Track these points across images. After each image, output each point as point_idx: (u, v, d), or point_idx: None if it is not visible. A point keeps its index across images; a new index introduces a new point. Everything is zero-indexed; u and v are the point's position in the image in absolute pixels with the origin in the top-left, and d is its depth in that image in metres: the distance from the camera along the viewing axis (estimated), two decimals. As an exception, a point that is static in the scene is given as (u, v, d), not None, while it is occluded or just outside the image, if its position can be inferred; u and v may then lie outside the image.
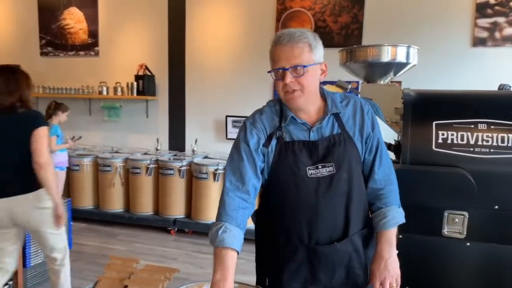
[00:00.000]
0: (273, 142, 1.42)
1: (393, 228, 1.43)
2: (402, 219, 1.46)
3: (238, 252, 1.31)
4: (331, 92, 1.51)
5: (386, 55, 1.91)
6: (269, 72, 1.40)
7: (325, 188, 1.36)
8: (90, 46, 5.83)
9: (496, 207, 1.56)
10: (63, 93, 5.70)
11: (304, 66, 1.32)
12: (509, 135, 1.52)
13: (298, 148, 1.40)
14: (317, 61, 1.37)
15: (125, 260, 1.67)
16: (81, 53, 5.89)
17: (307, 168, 1.38)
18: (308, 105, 1.42)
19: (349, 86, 2.19)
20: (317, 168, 1.38)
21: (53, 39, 5.99)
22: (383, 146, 1.48)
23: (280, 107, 1.47)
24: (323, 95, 1.47)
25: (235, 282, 1.30)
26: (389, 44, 1.90)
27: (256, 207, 1.47)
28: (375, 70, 2.00)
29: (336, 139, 1.41)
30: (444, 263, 1.65)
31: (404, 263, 1.68)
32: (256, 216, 1.54)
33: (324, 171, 1.38)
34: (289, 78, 1.33)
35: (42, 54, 6.08)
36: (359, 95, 2.05)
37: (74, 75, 5.87)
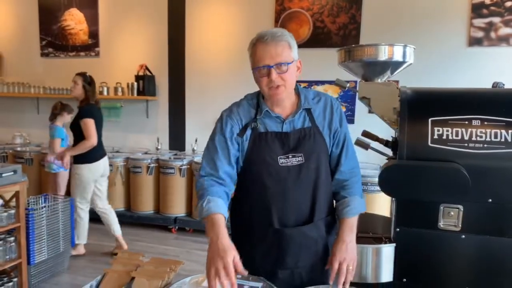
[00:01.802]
0: (248, 132, 1.52)
1: (354, 216, 1.53)
2: (363, 209, 1.56)
3: (225, 217, 1.40)
4: (305, 89, 1.62)
5: (383, 54, 1.96)
6: (253, 69, 1.49)
7: (294, 176, 1.47)
8: (91, 47, 5.88)
9: (490, 200, 1.60)
10: (63, 94, 5.74)
11: (288, 64, 1.44)
12: (502, 130, 1.57)
13: (271, 138, 1.51)
14: (295, 58, 1.48)
15: (131, 254, 1.71)
16: (82, 54, 5.94)
17: (278, 157, 1.49)
18: (286, 100, 1.53)
19: (347, 85, 2.24)
20: (287, 157, 1.49)
21: (54, 40, 6.04)
22: (349, 141, 1.60)
23: (257, 100, 1.57)
24: (297, 91, 1.58)
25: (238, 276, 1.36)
26: (386, 43, 1.96)
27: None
28: (373, 69, 2.05)
29: (306, 132, 1.52)
30: (440, 255, 1.68)
31: (401, 255, 1.74)
32: (232, 201, 1.64)
33: (294, 160, 1.49)
34: (274, 74, 1.43)
35: (42, 55, 6.13)
36: (357, 93, 2.11)
37: (74, 76, 5.91)
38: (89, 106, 3.89)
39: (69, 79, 5.87)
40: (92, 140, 3.78)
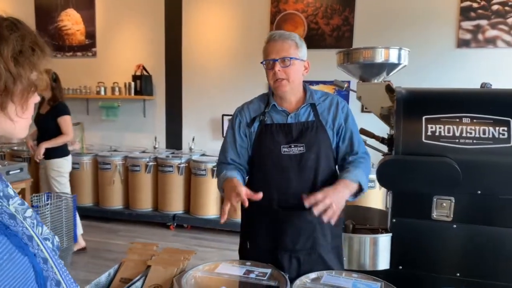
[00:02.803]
0: (256, 124, 1.70)
1: (352, 180, 1.57)
2: (364, 182, 1.61)
3: (239, 181, 1.59)
4: (314, 90, 1.76)
5: (380, 57, 2.09)
6: (262, 62, 1.67)
7: (295, 164, 1.60)
8: (88, 47, 5.93)
9: (479, 192, 1.70)
10: (61, 93, 5.78)
11: (291, 58, 1.60)
12: (490, 127, 1.69)
13: (276, 129, 1.66)
14: (301, 58, 1.65)
15: (145, 245, 1.81)
16: (79, 54, 5.99)
17: (281, 146, 1.63)
18: (291, 95, 1.68)
19: (345, 85, 2.37)
20: (290, 147, 1.63)
21: (50, 40, 5.99)
22: (357, 138, 1.72)
23: (268, 97, 1.74)
24: (305, 90, 1.73)
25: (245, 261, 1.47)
26: (382, 46, 2.08)
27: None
28: (370, 70, 2.18)
29: (309, 125, 1.65)
30: (433, 243, 1.78)
31: (397, 245, 1.85)
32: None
33: (296, 150, 1.62)
34: (277, 67, 1.60)
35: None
36: (355, 93, 2.23)
37: (71, 76, 5.94)
38: (63, 104, 4.04)
39: (66, 79, 5.93)
40: (70, 136, 4.03)
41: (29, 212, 0.79)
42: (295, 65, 1.62)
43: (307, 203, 1.42)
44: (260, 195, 1.47)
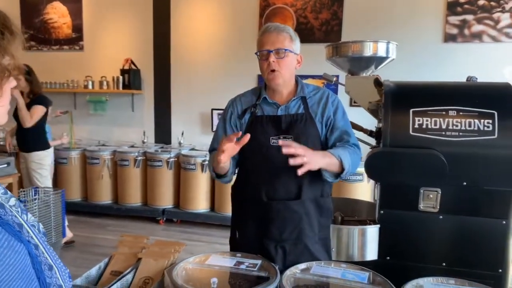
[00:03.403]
0: (247, 115, 1.72)
1: (332, 154, 1.56)
2: (347, 162, 1.57)
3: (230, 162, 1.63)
4: (306, 84, 1.78)
5: (368, 50, 2.11)
6: (256, 53, 1.68)
7: (283, 156, 1.53)
8: (75, 40, 5.86)
9: (465, 183, 1.73)
10: (47, 88, 5.70)
11: (285, 50, 1.62)
12: (475, 120, 1.72)
13: (265, 121, 1.68)
14: (295, 51, 1.67)
15: (135, 237, 1.82)
16: (65, 47, 5.91)
17: (270, 138, 1.65)
18: (283, 88, 1.70)
19: (334, 79, 2.39)
20: (278, 138, 1.64)
21: (36, 33, 5.99)
22: (347, 130, 1.70)
23: (260, 90, 1.76)
24: (297, 83, 1.75)
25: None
26: (371, 40, 2.10)
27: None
28: (358, 64, 2.20)
29: (298, 117, 1.67)
30: (420, 234, 1.81)
31: (384, 236, 1.88)
32: (235, 178, 1.82)
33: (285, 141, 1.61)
34: (272, 58, 1.62)
35: (24, 48, 6.06)
36: (344, 87, 2.25)
37: (58, 70, 5.89)
38: (43, 96, 4.04)
39: (53, 72, 5.88)
40: (31, 123, 3.90)
41: (13, 200, 0.78)
42: (288, 57, 1.65)
43: (284, 150, 1.45)
44: (247, 137, 1.48)
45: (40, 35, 5.97)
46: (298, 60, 1.72)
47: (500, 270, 1.74)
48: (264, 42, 1.65)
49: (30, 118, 3.89)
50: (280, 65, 1.64)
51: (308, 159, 1.46)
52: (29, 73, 3.95)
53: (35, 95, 3.97)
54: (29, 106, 3.94)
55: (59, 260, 0.79)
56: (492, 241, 1.75)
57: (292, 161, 1.45)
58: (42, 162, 4.03)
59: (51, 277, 0.75)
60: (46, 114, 4.08)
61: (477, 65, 4.50)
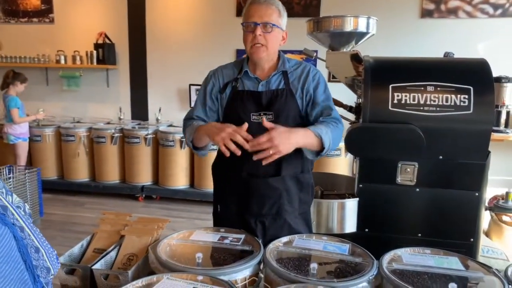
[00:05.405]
0: (228, 90, 1.70)
1: (312, 131, 1.54)
2: (326, 140, 1.54)
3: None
4: (288, 58, 1.75)
5: (349, 25, 2.10)
6: (242, 24, 1.64)
7: (264, 132, 1.50)
8: (44, 12, 5.62)
9: (441, 157, 1.79)
10: (17, 62, 5.49)
11: (273, 25, 1.59)
12: (452, 95, 1.76)
13: (246, 96, 1.67)
14: (281, 26, 1.64)
15: (117, 215, 1.80)
16: (35, 19, 5.66)
17: (251, 114, 1.64)
18: (265, 62, 1.68)
19: (314, 54, 2.38)
20: (259, 114, 1.63)
21: (3, 4, 5.70)
22: (329, 105, 1.68)
23: (242, 63, 1.73)
24: (279, 57, 1.72)
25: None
26: (352, 15, 2.09)
27: None
28: (339, 39, 2.19)
29: (279, 93, 1.66)
30: (398, 207, 1.87)
31: (363, 209, 1.93)
32: (216, 154, 1.81)
33: (265, 118, 1.60)
34: (259, 31, 1.58)
35: (-10, 20, 5.79)
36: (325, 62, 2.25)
37: (28, 43, 5.65)
38: None
39: (22, 46, 5.65)
40: None
41: None
42: (275, 33, 1.61)
43: (250, 148, 1.46)
44: (245, 126, 1.49)
45: (7, 7, 5.69)
46: (283, 37, 1.69)
47: (472, 240, 1.82)
48: (251, 14, 1.60)
49: None
50: (266, 39, 1.60)
51: (274, 149, 1.43)
52: None
53: None
54: None
55: (46, 242, 0.78)
56: (465, 212, 1.82)
57: (255, 157, 1.45)
58: None
59: (38, 259, 0.74)
60: None
61: (453, 40, 4.57)
